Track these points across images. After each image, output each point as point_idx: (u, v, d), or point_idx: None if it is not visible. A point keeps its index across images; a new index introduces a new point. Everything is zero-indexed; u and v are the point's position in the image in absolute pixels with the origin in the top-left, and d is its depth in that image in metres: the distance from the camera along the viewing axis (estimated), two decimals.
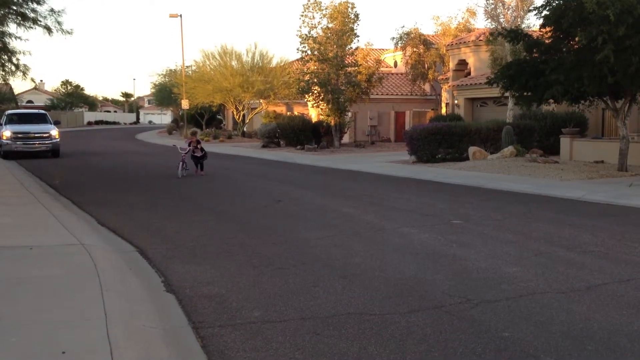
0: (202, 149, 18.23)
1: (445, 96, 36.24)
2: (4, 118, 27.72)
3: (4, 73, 16.67)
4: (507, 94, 20.56)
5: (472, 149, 21.87)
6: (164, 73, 64.52)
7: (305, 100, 35.33)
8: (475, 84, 29.91)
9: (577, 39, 16.22)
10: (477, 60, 32.49)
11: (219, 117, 61.17)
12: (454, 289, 6.29)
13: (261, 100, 44.67)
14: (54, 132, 26.63)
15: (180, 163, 17.51)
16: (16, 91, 71.19)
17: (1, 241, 8.18)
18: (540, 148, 22.44)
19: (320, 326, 5.25)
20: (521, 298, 5.96)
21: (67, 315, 5.26)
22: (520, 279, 6.62)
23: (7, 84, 42.36)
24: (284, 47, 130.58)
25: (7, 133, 25.78)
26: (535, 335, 4.97)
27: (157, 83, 66.96)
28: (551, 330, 5.09)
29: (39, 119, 28.16)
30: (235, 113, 47.26)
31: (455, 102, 32.43)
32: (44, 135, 26.41)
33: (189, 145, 18.08)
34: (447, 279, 6.66)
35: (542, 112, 24.47)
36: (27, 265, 6.98)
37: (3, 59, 16.10)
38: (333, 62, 30.78)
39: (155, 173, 19.85)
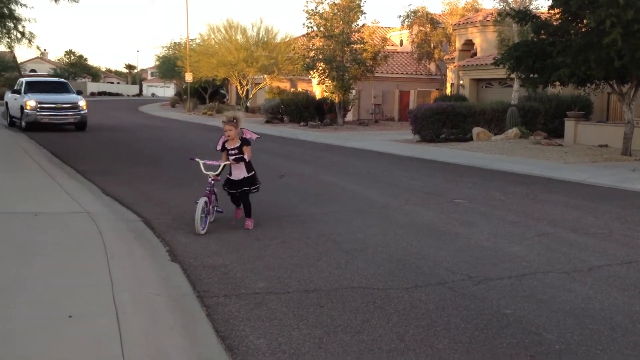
0: (248, 163, 7.90)
1: (450, 76, 36.06)
2: (23, 86, 24.69)
3: (9, 40, 16.56)
4: (513, 76, 20.46)
5: (476, 130, 21.83)
6: (169, 46, 64.21)
7: (310, 76, 35.17)
8: (481, 64, 29.74)
9: (585, 21, 16.09)
10: (484, 41, 32.29)
11: (222, 91, 60.93)
12: (457, 266, 6.33)
13: (265, 76, 44.44)
14: (82, 102, 24.19)
15: (204, 203, 7.54)
16: (19, 60, 70.87)
17: (8, 207, 8.21)
18: (544, 131, 22.38)
19: (324, 299, 5.29)
20: (523, 277, 5.99)
21: (73, 280, 5.31)
22: (522, 259, 6.66)
23: (11, 52, 42.09)
24: (290, 23, 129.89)
25: (31, 103, 23.04)
26: (537, 313, 5.02)
27: (161, 55, 66.64)
28: (553, 308, 5.13)
29: (61, 88, 25.67)
30: (239, 88, 47.05)
31: (461, 82, 32.27)
32: (72, 105, 23.87)
33: (223, 149, 7.91)
34: (449, 257, 6.69)
35: (547, 95, 24.37)
36: (33, 231, 7.02)
37: (9, 26, 15.99)
38: (339, 39, 30.58)
39: (158, 145, 19.85)
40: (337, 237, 7.53)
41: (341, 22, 30.64)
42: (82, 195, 9.53)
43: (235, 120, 7.80)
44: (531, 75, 18.13)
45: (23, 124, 23.25)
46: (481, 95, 31.07)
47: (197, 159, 7.92)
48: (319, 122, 31.37)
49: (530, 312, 5.03)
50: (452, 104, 23.08)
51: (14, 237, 6.70)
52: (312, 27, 31.69)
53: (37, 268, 5.61)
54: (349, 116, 34.69)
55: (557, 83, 18.10)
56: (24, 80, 25.78)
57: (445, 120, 21.96)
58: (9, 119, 26.13)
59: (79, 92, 25.95)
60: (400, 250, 6.94)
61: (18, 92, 24.55)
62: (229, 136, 7.79)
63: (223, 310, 4.97)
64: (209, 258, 6.49)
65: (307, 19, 31.36)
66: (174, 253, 6.67)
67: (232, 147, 7.86)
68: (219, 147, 7.97)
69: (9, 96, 26.51)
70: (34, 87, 24.59)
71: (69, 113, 23.68)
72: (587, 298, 5.40)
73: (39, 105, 22.99)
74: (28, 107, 22.94)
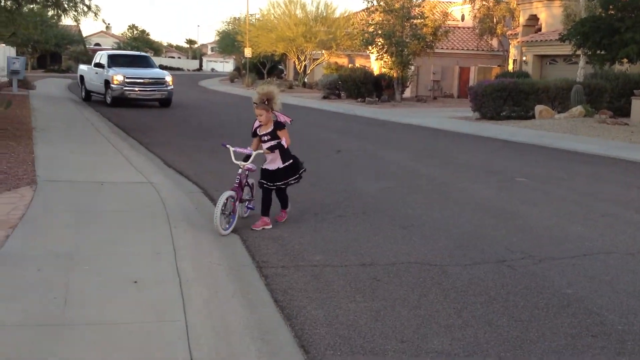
0: (284, 151, 6.63)
1: (513, 52, 35.20)
2: (105, 59, 23.39)
3: (76, 13, 16.89)
4: (579, 52, 19.87)
5: (538, 108, 21.30)
6: (229, 21, 64.86)
7: (368, 52, 34.92)
8: (546, 40, 28.91)
9: None
10: (549, 16, 31.33)
11: (280, 67, 61.22)
12: (517, 245, 6.25)
13: (323, 51, 44.41)
14: (169, 78, 23.10)
15: (226, 198, 6.28)
16: (84, 34, 72.57)
17: (76, 176, 8.50)
18: (610, 109, 21.65)
19: (380, 273, 5.31)
20: (585, 257, 5.87)
21: (137, 248, 5.48)
22: (585, 238, 6.51)
23: (77, 26, 43.03)
24: None
25: (118, 77, 21.87)
26: (599, 293, 4.92)
27: (221, 30, 67.40)
28: (616, 289, 5.02)
29: (144, 62, 24.65)
30: (296, 63, 47.20)
31: (524, 58, 31.47)
32: (159, 80, 22.75)
33: (257, 135, 6.66)
34: (509, 235, 6.60)
35: (614, 72, 23.55)
36: (100, 199, 7.26)
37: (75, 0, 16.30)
38: (399, 14, 30.21)
39: (217, 119, 20.10)
40: (394, 213, 7.52)
41: None
42: (145, 167, 9.78)
43: (267, 101, 6.42)
44: (598, 52, 17.57)
45: (108, 99, 22.31)
46: (545, 72, 30.25)
47: (227, 146, 6.64)
48: (377, 99, 31.18)
49: (592, 293, 4.93)
50: (514, 80, 22.57)
51: (81, 205, 6.93)
52: (371, 2, 31.42)
53: (104, 235, 5.80)
54: (407, 92, 34.34)
55: (625, 60, 17.51)
56: (105, 52, 24.90)
57: (506, 97, 21.51)
58: (84, 93, 25.04)
59: (161, 67, 24.32)
60: (458, 228, 6.88)
61: (100, 65, 23.34)
62: (261, 122, 6.54)
63: (281, 281, 5.05)
64: (267, 230, 6.57)
65: None
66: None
67: (265, 132, 6.54)
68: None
69: (85, 70, 25.38)
70: (116, 61, 23.50)
71: (155, 88, 22.68)
72: None
73: (126, 80, 21.95)
74: (115, 82, 21.85)
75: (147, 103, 23.27)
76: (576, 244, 6.33)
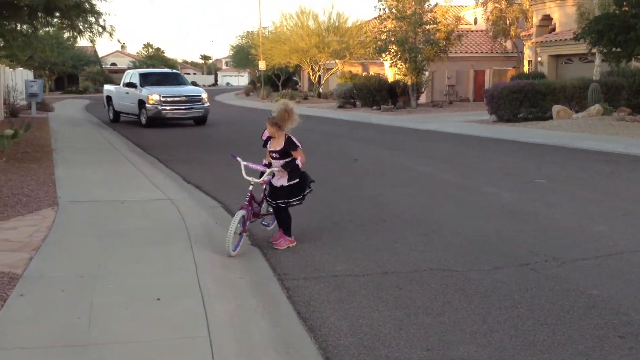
0: (295, 169, 6.25)
1: (527, 53, 35.00)
2: (137, 78, 22.68)
3: (91, 34, 17.05)
4: (594, 50, 19.72)
5: (555, 108, 21.14)
6: (243, 35, 65.35)
7: (382, 59, 34.90)
8: (561, 39, 28.73)
9: None
10: (563, 15, 31.14)
11: (294, 78, 61.41)
12: (539, 247, 6.19)
13: (337, 61, 44.50)
14: (204, 95, 22.34)
15: (240, 217, 6.04)
16: (99, 54, 73.35)
17: (98, 196, 8.58)
18: (628, 107, 21.44)
19: (402, 281, 5.29)
20: (609, 257, 5.81)
21: (159, 265, 5.51)
22: (608, 238, 6.45)
23: (92, 46, 43.48)
24: (360, 7, 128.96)
25: (154, 97, 21.13)
26: (625, 293, 4.86)
27: (235, 45, 67.87)
28: None
29: (176, 79, 23.81)
30: (311, 74, 47.33)
31: (539, 59, 31.29)
32: (196, 98, 22.00)
33: (266, 145, 6.42)
34: (531, 238, 6.55)
35: (630, 70, 23.32)
36: (120, 218, 7.32)
37: (90, 21, 16.44)
38: (411, 20, 30.16)
39: (234, 132, 20.20)
40: (413, 219, 7.49)
41: (413, 3, 30.20)
42: (165, 183, 9.84)
43: (285, 112, 6.10)
44: (614, 49, 17.45)
45: (143, 119, 21.53)
46: (560, 72, 30.04)
47: (238, 159, 6.29)
48: (392, 106, 31.14)
49: (617, 293, 4.87)
50: (530, 81, 22.43)
51: (103, 224, 6.99)
52: (383, 9, 31.40)
53: (126, 253, 5.84)
54: (422, 98, 34.26)
55: None
56: (136, 71, 24.08)
57: (523, 99, 21.38)
58: (112, 114, 24.31)
59: (194, 84, 24.12)
60: (479, 232, 6.84)
61: (131, 85, 22.57)
62: (272, 137, 6.26)
63: (303, 293, 5.05)
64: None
65: (379, 0, 31.09)
66: (254, 237, 6.80)
67: (274, 149, 6.24)
68: (263, 137, 6.39)
69: (112, 90, 24.60)
70: (148, 79, 22.80)
71: (192, 106, 21.88)
72: None
73: (162, 99, 21.16)
74: (151, 102, 21.08)
75: (176, 122, 22.43)
76: (599, 244, 6.26)
